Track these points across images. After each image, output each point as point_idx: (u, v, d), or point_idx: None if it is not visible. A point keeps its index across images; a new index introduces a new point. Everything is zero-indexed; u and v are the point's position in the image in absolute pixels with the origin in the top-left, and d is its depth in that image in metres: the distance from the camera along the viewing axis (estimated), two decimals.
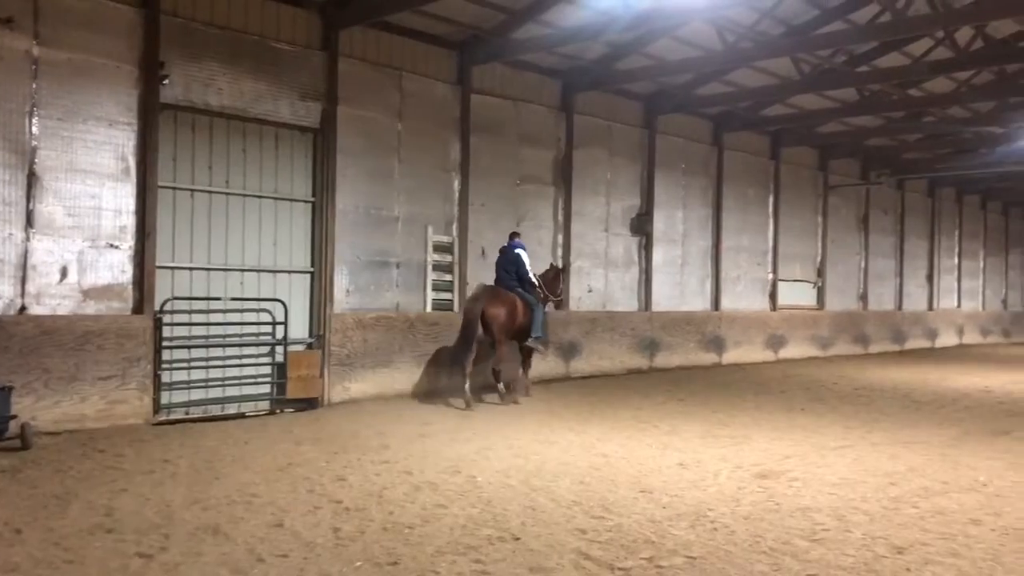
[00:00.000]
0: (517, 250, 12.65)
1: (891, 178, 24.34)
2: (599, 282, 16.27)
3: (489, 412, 11.35)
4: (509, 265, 12.60)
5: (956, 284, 28.55)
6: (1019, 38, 14.71)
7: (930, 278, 26.98)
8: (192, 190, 10.65)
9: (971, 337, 29.13)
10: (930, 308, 27.04)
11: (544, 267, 13.57)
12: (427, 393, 12.64)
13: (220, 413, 10.68)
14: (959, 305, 28.72)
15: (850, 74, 15.79)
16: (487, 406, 11.89)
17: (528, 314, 12.39)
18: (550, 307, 13.42)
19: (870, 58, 15.96)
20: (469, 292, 13.58)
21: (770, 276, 20.48)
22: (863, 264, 23.91)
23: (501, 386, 12.30)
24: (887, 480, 7.60)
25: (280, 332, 11.24)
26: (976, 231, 29.63)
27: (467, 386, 11.75)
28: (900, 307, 25.58)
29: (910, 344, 25.69)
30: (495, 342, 11.99)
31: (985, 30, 14.39)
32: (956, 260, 28.50)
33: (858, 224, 23.75)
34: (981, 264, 30.04)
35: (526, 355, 12.88)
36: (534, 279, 12.75)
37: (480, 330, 11.84)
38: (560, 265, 14.18)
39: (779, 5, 13.50)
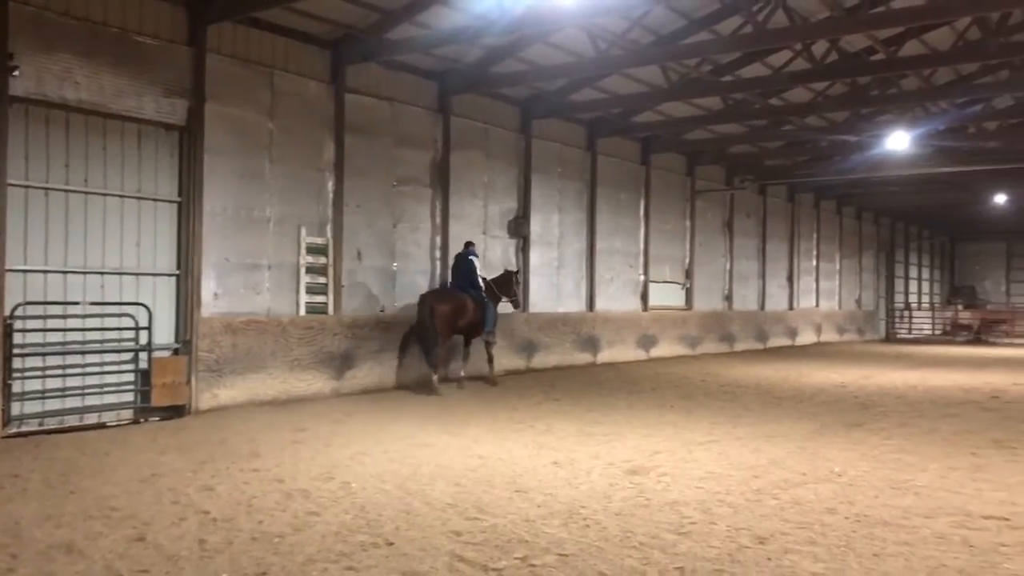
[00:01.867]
0: (471, 257, 14.40)
1: (753, 183, 25.44)
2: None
3: (366, 416, 11.20)
4: (463, 270, 14.31)
5: (814, 285, 30.07)
6: (870, 52, 15.61)
7: (790, 279, 28.32)
8: (47, 189, 10.06)
9: (828, 335, 30.75)
10: (791, 308, 28.38)
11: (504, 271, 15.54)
12: (302, 399, 12.39)
13: (79, 424, 10.14)
14: (817, 305, 30.26)
15: (715, 83, 16.40)
16: (366, 407, 11.74)
17: (479, 312, 14.14)
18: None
19: (734, 68, 16.63)
20: (345, 294, 13.46)
21: (641, 278, 21.04)
22: (728, 266, 24.88)
23: (435, 377, 13.41)
24: (750, 473, 7.92)
25: (144, 337, 10.77)
26: (832, 235, 31.30)
27: (435, 377, 13.39)
28: (763, 307, 26.74)
29: (772, 342, 26.91)
30: (439, 335, 13.46)
31: (839, 44, 15.22)
32: (814, 262, 30.03)
33: (723, 228, 24.70)
34: (837, 266, 31.75)
35: (487, 348, 14.76)
36: (482, 283, 14.45)
37: (430, 324, 13.37)
38: (514, 269, 15.94)
39: (648, 14, 13.89)
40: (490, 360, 14.89)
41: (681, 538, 5.83)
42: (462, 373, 14.55)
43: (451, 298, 13.86)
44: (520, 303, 15.64)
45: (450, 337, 13.97)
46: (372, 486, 7.25)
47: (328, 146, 13.31)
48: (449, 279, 14.84)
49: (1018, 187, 27.71)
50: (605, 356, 19.35)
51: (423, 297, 13.89)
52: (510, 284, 15.15)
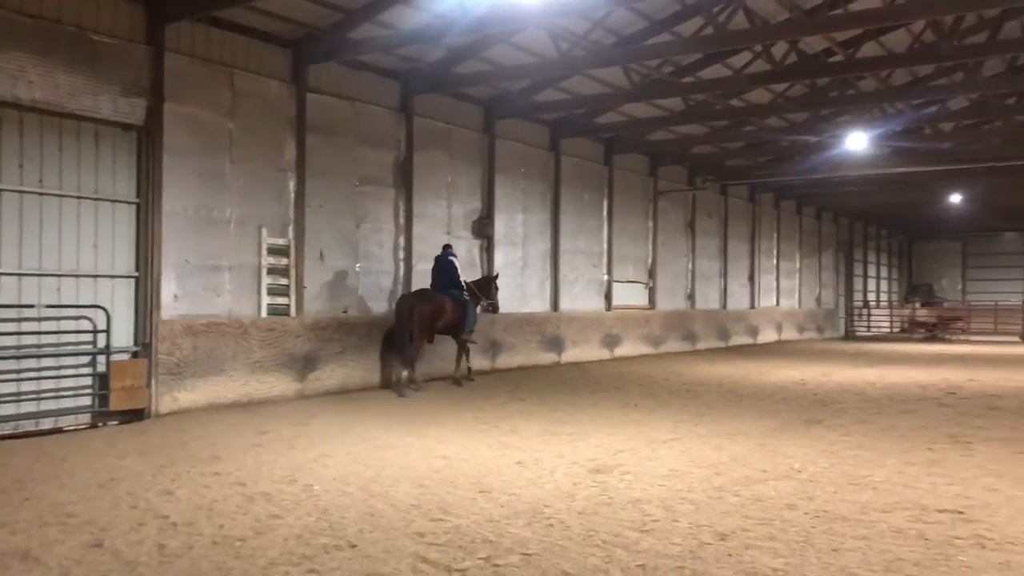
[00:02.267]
0: (450, 258, 14.65)
1: (715, 183, 25.69)
2: None
3: (329, 418, 11.12)
4: (443, 272, 14.51)
5: (775, 284, 30.44)
6: (828, 54, 15.83)
7: (751, 278, 28.63)
8: (0, 190, 9.88)
9: (789, 333, 31.13)
10: (752, 307, 28.70)
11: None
12: (264, 401, 12.28)
13: (35, 429, 9.96)
14: (778, 303, 30.63)
15: (676, 84, 16.51)
16: (330, 409, 11.66)
17: (458, 313, 14.42)
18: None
19: (695, 69, 16.76)
20: (307, 296, 13.36)
21: (605, 277, 21.14)
22: (690, 265, 25.09)
23: (404, 375, 13.83)
24: (712, 470, 7.99)
25: (102, 341, 10.60)
26: (792, 234, 31.70)
27: (404, 376, 13.80)
28: (725, 306, 27.00)
29: (734, 340, 27.18)
30: (417, 336, 13.63)
31: (798, 45, 15.43)
32: (775, 261, 30.39)
33: (685, 228, 24.90)
34: (797, 265, 32.16)
35: (463, 347, 14.97)
36: (463, 284, 14.66)
37: (408, 325, 13.52)
38: (494, 274, 16.47)
39: (610, 16, 13.97)
40: (464, 360, 15.11)
41: (644, 536, 5.87)
42: (468, 367, 15.09)
43: (431, 299, 14.04)
44: (498, 307, 15.92)
45: (428, 338, 14.11)
46: (335, 488, 7.21)
47: (289, 146, 13.20)
48: (429, 281, 14.79)
49: (973, 187, 28.27)
50: (569, 356, 19.42)
51: (403, 297, 14.14)
52: (489, 288, 15.54)
